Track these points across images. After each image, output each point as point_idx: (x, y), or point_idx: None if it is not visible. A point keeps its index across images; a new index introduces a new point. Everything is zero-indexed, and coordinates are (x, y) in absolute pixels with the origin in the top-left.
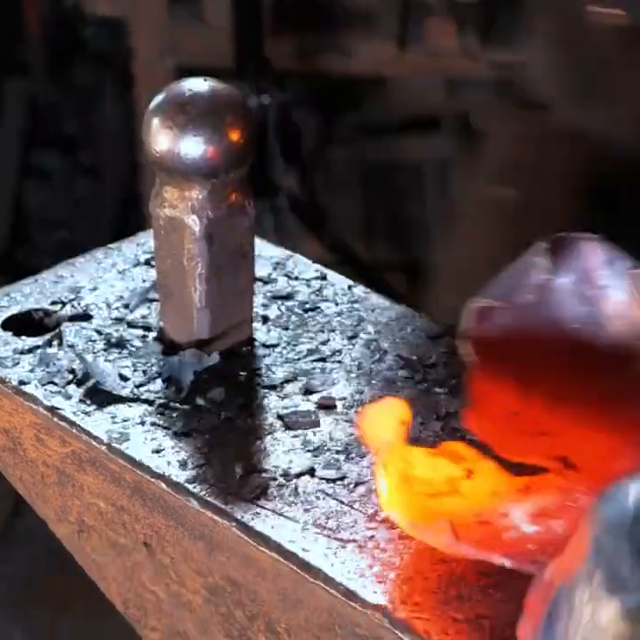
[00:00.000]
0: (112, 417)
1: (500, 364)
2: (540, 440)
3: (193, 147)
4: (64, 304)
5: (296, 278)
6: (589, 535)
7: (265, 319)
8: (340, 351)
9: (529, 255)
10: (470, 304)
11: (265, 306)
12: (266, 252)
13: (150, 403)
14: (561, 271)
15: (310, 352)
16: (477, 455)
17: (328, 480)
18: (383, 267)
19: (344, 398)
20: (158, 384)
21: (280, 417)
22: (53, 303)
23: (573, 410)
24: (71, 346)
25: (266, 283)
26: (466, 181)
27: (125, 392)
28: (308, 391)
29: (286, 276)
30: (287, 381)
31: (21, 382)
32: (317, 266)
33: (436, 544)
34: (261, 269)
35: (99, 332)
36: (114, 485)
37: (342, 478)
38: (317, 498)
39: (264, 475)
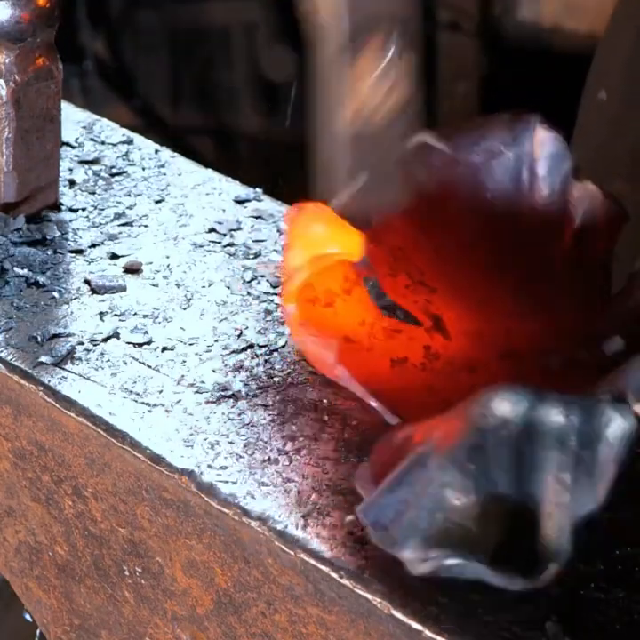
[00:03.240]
0: None
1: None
2: (419, 289)
3: None
4: None
5: (103, 143)
6: (468, 429)
7: (71, 183)
8: (146, 215)
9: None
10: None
11: (71, 170)
12: (73, 117)
13: None
14: (510, 146)
15: (117, 216)
16: (359, 279)
17: (135, 344)
18: (190, 131)
19: (151, 262)
20: None
21: (87, 281)
22: None
23: (465, 278)
24: None
25: (73, 147)
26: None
27: None
28: (114, 256)
29: (93, 140)
30: (94, 246)
31: None
32: (124, 130)
33: (316, 356)
34: (68, 134)
35: None
36: None
37: (149, 343)
38: (124, 362)
39: (71, 339)
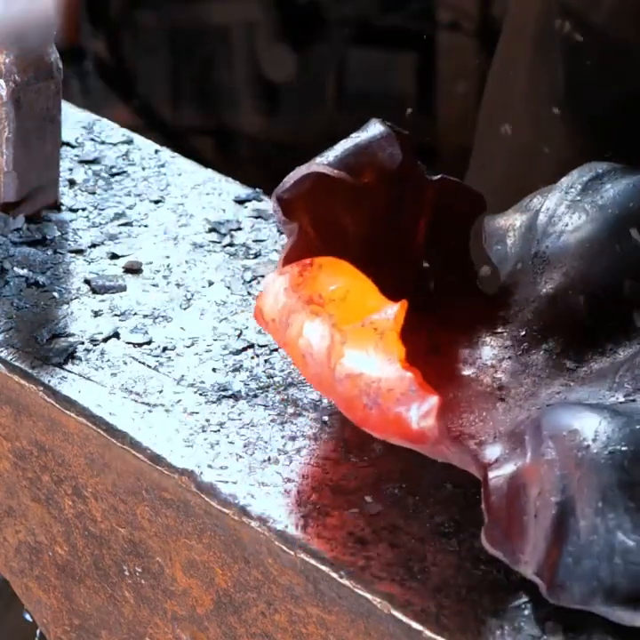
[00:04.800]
0: None
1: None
2: None
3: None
4: None
5: (103, 143)
6: (597, 467)
7: (71, 183)
8: (146, 215)
9: (369, 130)
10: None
11: (71, 170)
12: (73, 117)
13: None
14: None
15: (117, 216)
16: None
17: (135, 344)
18: (190, 131)
19: (151, 262)
20: None
21: (87, 281)
22: None
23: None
24: None
25: (73, 147)
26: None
27: None
28: (114, 256)
29: (93, 140)
30: (94, 246)
31: None
32: (124, 130)
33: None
34: (68, 134)
35: None
36: None
37: (149, 343)
38: (124, 362)
39: (71, 339)
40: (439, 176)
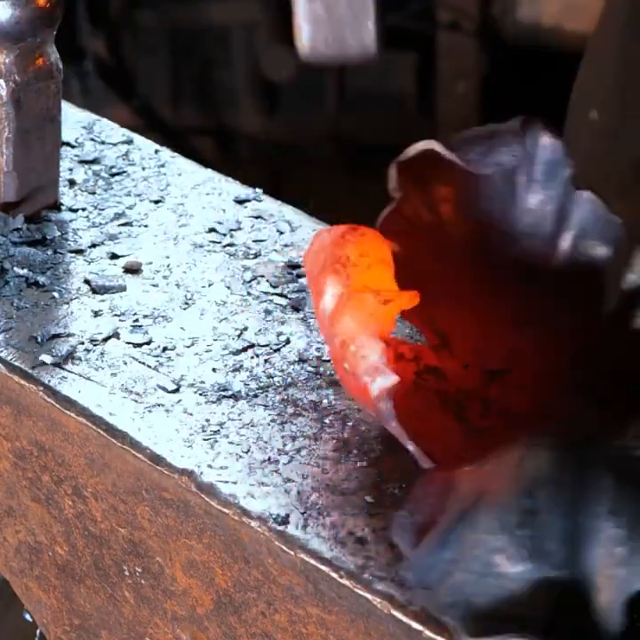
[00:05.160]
0: None
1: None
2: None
3: None
4: None
5: (103, 143)
6: (516, 491)
7: (71, 183)
8: (146, 215)
9: (503, 127)
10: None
11: (71, 170)
12: (73, 117)
13: None
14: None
15: (117, 216)
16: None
17: (134, 344)
18: (190, 131)
19: (151, 262)
20: None
21: (87, 281)
22: None
23: (465, 291)
24: None
25: (73, 147)
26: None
27: None
28: (114, 256)
29: (93, 140)
30: (94, 246)
31: None
32: (124, 130)
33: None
34: (68, 134)
35: None
36: None
37: (149, 343)
38: (124, 362)
39: (71, 339)
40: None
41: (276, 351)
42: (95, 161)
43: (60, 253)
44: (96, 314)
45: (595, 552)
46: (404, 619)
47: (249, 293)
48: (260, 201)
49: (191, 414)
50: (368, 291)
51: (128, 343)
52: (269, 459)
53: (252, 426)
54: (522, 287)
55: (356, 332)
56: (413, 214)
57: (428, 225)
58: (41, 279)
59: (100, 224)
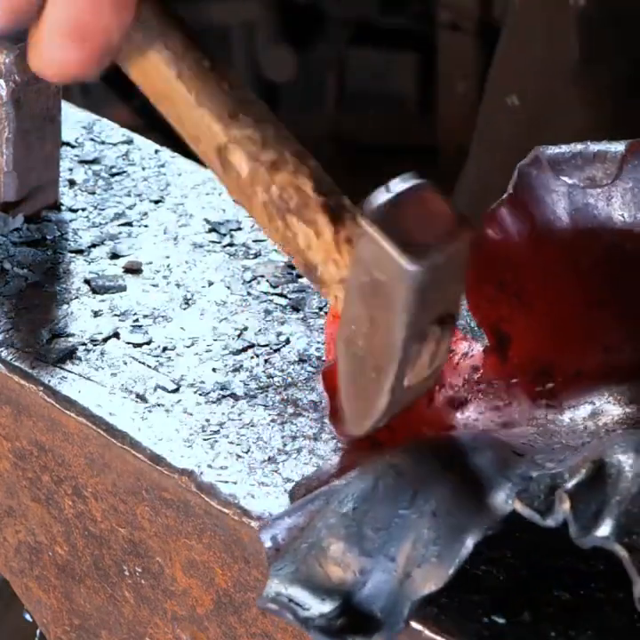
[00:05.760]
0: None
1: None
2: (502, 301)
3: None
4: None
5: (103, 143)
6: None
7: (71, 183)
8: (146, 215)
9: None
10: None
11: (71, 170)
12: (73, 117)
13: None
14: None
15: (117, 216)
16: None
17: (134, 344)
18: None
19: (151, 262)
20: None
21: (87, 281)
22: None
23: (566, 304)
24: None
25: (73, 147)
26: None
27: None
28: (114, 255)
29: (93, 140)
30: (94, 245)
31: None
32: (124, 130)
33: None
34: (68, 134)
35: None
36: None
37: (149, 343)
38: (124, 362)
39: (71, 339)
40: None
41: (276, 351)
42: (95, 161)
43: (60, 253)
44: (96, 314)
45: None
46: None
47: (249, 293)
48: None
49: (191, 414)
50: None
51: (128, 343)
52: (269, 459)
53: (252, 426)
54: (620, 311)
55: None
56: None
57: (532, 227)
58: (41, 279)
59: (100, 224)
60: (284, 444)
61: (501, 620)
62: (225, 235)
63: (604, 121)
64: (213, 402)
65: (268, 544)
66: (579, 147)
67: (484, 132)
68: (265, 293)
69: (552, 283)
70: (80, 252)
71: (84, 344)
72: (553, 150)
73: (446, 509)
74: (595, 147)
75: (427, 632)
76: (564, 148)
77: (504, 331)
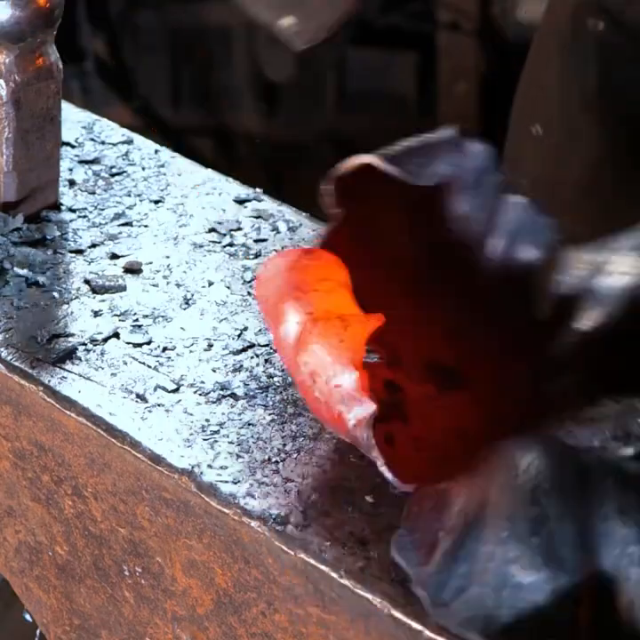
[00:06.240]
0: None
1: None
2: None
3: None
4: None
5: (103, 143)
6: (519, 497)
7: (71, 183)
8: (146, 215)
9: (440, 136)
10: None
11: (71, 170)
12: (73, 117)
13: None
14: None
15: (117, 216)
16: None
17: (134, 344)
18: (190, 131)
19: (151, 262)
20: None
21: (87, 281)
22: None
23: (405, 301)
24: None
25: (73, 147)
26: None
27: None
28: (114, 256)
29: (93, 140)
30: (94, 246)
31: None
32: (124, 130)
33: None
34: (68, 134)
35: None
36: None
37: (149, 343)
38: (124, 362)
39: (71, 339)
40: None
41: (276, 351)
42: (95, 161)
43: (60, 253)
44: (96, 314)
45: (609, 553)
46: (404, 619)
47: (249, 293)
48: (260, 201)
49: (191, 414)
50: (333, 317)
51: (128, 343)
52: (269, 459)
53: (252, 426)
54: (461, 297)
55: (326, 360)
56: (354, 231)
57: (369, 241)
58: (41, 279)
59: (100, 224)
60: (284, 444)
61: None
62: (225, 235)
63: (623, 151)
64: (213, 402)
65: (434, 603)
66: (414, 142)
67: (512, 162)
68: None
69: (397, 291)
70: (80, 252)
71: (84, 344)
72: (392, 151)
73: (628, 505)
74: (430, 138)
75: (427, 632)
76: (402, 146)
77: (389, 343)
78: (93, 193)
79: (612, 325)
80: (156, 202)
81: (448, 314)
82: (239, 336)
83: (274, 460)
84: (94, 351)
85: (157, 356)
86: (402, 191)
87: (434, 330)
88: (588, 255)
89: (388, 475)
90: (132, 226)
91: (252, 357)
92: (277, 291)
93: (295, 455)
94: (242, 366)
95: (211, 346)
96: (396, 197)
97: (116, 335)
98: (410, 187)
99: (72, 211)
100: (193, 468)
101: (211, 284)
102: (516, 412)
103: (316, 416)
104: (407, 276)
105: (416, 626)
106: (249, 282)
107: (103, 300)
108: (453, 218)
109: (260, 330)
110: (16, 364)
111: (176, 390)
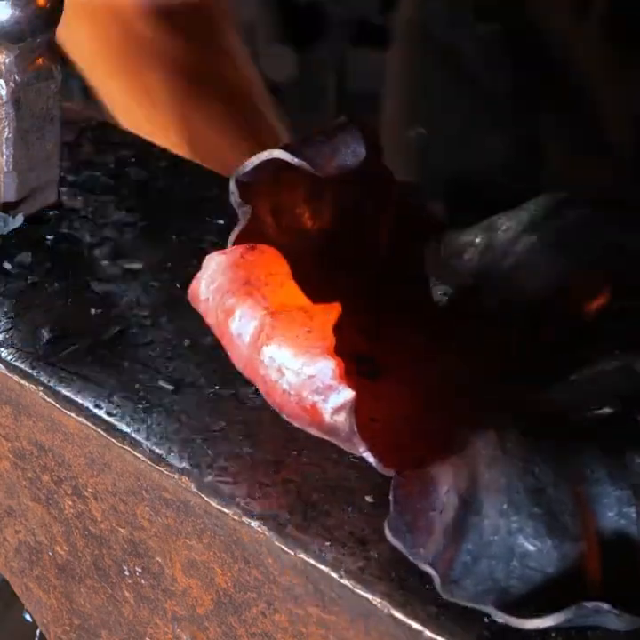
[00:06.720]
0: None
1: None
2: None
3: None
4: None
5: (103, 142)
6: (513, 469)
7: (71, 183)
8: (146, 215)
9: (339, 130)
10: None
11: (71, 170)
12: (73, 117)
13: None
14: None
15: (117, 216)
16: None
17: (134, 344)
18: None
19: (150, 262)
20: None
21: (87, 281)
22: None
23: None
24: None
25: (73, 147)
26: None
27: None
28: (114, 256)
29: (93, 140)
30: (94, 246)
31: None
32: (124, 130)
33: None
34: (68, 134)
35: None
36: None
37: (149, 343)
38: (124, 362)
39: (71, 339)
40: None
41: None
42: (95, 161)
43: (61, 253)
44: (96, 314)
45: (607, 516)
46: (404, 619)
47: None
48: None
49: (191, 414)
50: (294, 308)
51: (128, 343)
52: (269, 459)
53: (252, 426)
54: (362, 288)
55: (295, 352)
56: (263, 229)
57: (278, 237)
58: (41, 279)
59: (100, 224)
60: (285, 444)
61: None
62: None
63: None
64: (213, 402)
65: (444, 581)
66: (318, 134)
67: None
68: None
69: (306, 290)
70: (80, 252)
71: (85, 344)
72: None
73: (616, 468)
74: (330, 128)
75: (427, 632)
76: (307, 138)
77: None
78: (93, 193)
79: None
80: (156, 202)
81: (354, 303)
82: None
83: (274, 460)
84: (94, 351)
85: (158, 357)
86: (308, 182)
87: (346, 320)
88: (469, 237)
89: (371, 459)
90: (132, 226)
91: None
92: (221, 289)
93: (295, 455)
94: None
95: (211, 346)
96: (302, 187)
97: (116, 335)
98: (316, 178)
99: (72, 211)
100: (193, 468)
101: None
102: (461, 391)
103: (282, 412)
104: (315, 275)
105: (416, 626)
106: None
107: (103, 300)
108: (346, 207)
109: None
110: (16, 364)
111: (176, 390)
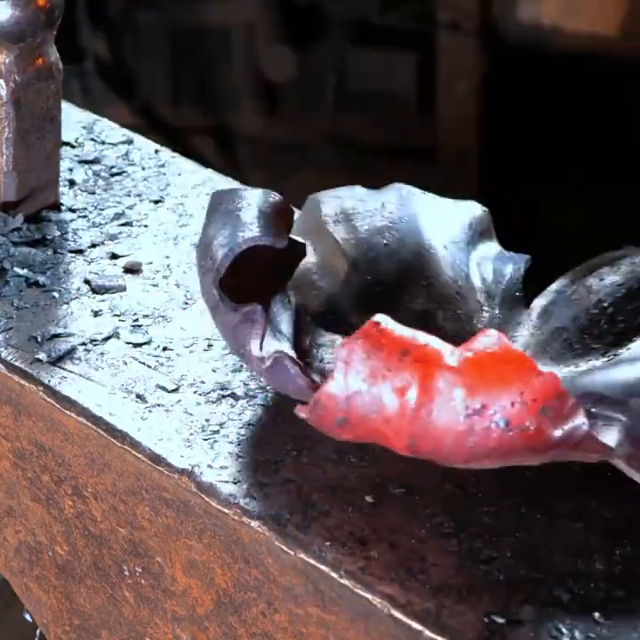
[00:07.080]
0: None
1: None
2: None
3: None
4: None
5: (103, 142)
6: None
7: (71, 183)
8: (146, 215)
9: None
10: None
11: (71, 170)
12: (73, 117)
13: None
14: None
15: (117, 216)
16: None
17: (134, 344)
18: (190, 131)
19: (151, 263)
20: None
21: (87, 281)
22: None
23: None
24: None
25: (73, 147)
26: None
27: None
28: (114, 256)
29: (93, 140)
30: (94, 246)
31: None
32: (124, 130)
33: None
34: (68, 134)
35: None
36: None
37: (149, 343)
38: (124, 362)
39: (71, 339)
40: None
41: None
42: (95, 161)
43: (60, 253)
44: (96, 314)
45: None
46: (404, 619)
47: None
48: None
49: (191, 414)
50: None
51: (128, 343)
52: (269, 459)
53: (252, 426)
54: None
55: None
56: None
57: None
58: (41, 279)
59: (100, 224)
60: (285, 444)
61: (501, 620)
62: None
63: None
64: (213, 402)
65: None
66: None
67: None
68: None
69: None
70: (80, 252)
71: (84, 344)
72: None
73: None
74: None
75: (427, 632)
76: None
77: None
78: (93, 193)
79: None
80: (156, 202)
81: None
82: None
83: (274, 460)
84: (94, 351)
85: (157, 356)
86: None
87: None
88: None
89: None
90: (131, 226)
91: None
92: (377, 375)
93: (295, 455)
94: (242, 366)
95: (211, 346)
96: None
97: (116, 335)
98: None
99: (72, 211)
100: (193, 467)
101: None
102: None
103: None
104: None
105: (416, 626)
106: None
107: (103, 300)
108: None
109: None
110: (16, 364)
111: (176, 390)
